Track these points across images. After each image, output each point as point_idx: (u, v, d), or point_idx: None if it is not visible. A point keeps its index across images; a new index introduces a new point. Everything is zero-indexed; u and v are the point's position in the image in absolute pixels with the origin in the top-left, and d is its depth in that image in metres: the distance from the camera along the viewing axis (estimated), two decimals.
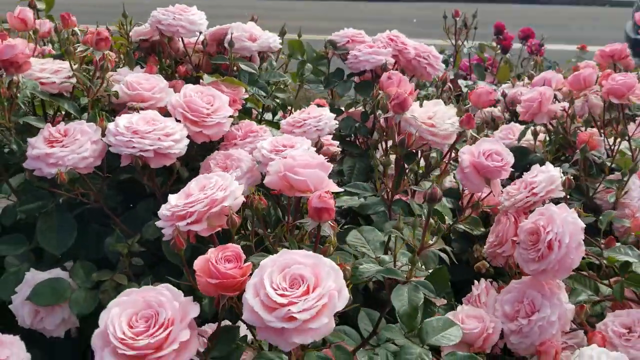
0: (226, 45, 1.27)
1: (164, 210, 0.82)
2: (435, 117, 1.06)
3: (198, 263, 0.71)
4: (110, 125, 0.99)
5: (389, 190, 1.04)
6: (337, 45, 1.49)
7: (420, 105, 1.13)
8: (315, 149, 1.05)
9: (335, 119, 1.44)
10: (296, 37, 1.52)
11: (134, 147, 0.96)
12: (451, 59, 2.02)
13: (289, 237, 0.84)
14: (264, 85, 1.26)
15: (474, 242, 1.17)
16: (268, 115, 1.54)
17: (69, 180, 0.95)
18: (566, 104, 1.33)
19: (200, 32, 1.26)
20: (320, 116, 1.12)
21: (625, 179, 1.15)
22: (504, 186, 1.08)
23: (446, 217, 1.14)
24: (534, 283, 0.91)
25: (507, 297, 0.94)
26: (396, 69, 1.51)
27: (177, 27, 1.22)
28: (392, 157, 1.09)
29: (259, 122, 1.40)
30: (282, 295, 0.65)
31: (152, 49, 1.33)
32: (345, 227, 1.09)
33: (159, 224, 0.82)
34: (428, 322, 0.79)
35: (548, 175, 1.02)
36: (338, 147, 1.42)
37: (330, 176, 1.41)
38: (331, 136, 1.31)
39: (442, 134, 1.06)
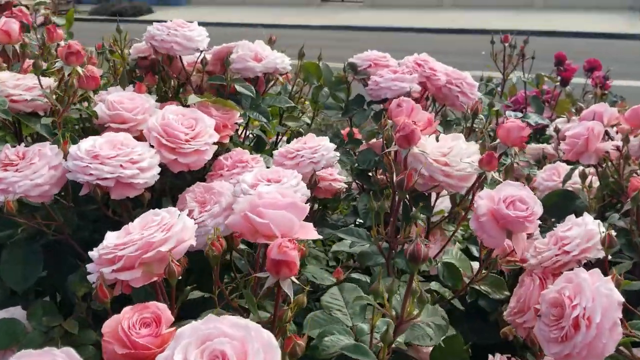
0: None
1: (94, 252, 0.68)
2: (450, 154, 0.89)
3: (108, 325, 0.57)
4: (72, 148, 0.87)
5: (386, 239, 0.87)
6: (357, 70, 1.34)
7: (437, 140, 0.96)
8: (305, 184, 0.90)
9: (353, 150, 1.30)
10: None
11: (91, 174, 0.84)
12: (498, 88, 1.83)
13: (246, 292, 0.69)
14: (265, 110, 1.13)
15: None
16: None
17: (16, 210, 0.84)
18: (620, 143, 1.13)
19: (200, 50, 1.14)
20: (316, 147, 0.97)
21: None
22: None
23: (466, 272, 0.96)
24: None
25: None
26: (426, 98, 1.35)
27: (172, 43, 1.11)
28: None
29: (271, 152, 1.27)
30: None
31: (151, 68, 1.23)
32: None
33: (89, 267, 0.69)
34: None
35: (584, 230, 0.83)
36: (352, 182, 1.27)
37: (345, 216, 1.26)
38: (339, 170, 1.17)
39: (457, 175, 0.88)
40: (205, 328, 0.53)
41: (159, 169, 0.90)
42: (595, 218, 0.88)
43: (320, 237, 0.81)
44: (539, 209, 0.81)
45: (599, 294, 0.68)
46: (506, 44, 1.77)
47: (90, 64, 1.10)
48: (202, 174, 1.05)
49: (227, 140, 1.04)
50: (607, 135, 1.17)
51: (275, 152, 1.00)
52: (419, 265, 0.60)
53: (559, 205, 1.16)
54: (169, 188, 1.03)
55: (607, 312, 0.67)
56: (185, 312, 0.74)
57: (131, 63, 1.21)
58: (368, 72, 1.31)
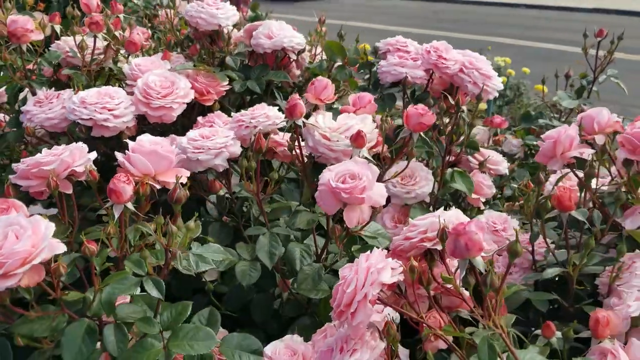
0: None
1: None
2: (338, 130, 0.96)
3: None
4: (75, 96, 1.16)
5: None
6: (378, 53, 1.42)
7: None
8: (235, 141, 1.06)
9: None
10: None
11: (75, 114, 1.11)
12: (589, 86, 1.67)
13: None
14: (261, 82, 1.29)
15: None
16: None
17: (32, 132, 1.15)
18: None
19: (220, 25, 1.34)
20: (256, 114, 1.10)
21: None
22: None
23: None
24: None
25: None
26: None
27: (197, 18, 1.33)
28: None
29: None
30: None
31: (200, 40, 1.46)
32: None
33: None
34: None
35: (430, 221, 0.85)
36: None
37: None
38: None
39: (337, 149, 0.96)
40: None
41: (131, 117, 1.13)
42: None
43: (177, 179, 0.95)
44: (369, 184, 0.85)
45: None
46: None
47: (144, 36, 1.39)
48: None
49: (210, 103, 1.24)
50: (587, 143, 1.08)
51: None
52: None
53: None
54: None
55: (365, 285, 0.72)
56: None
57: (185, 35, 1.47)
58: (385, 56, 1.38)
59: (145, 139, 0.93)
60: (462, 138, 1.26)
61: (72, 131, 1.20)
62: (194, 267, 0.80)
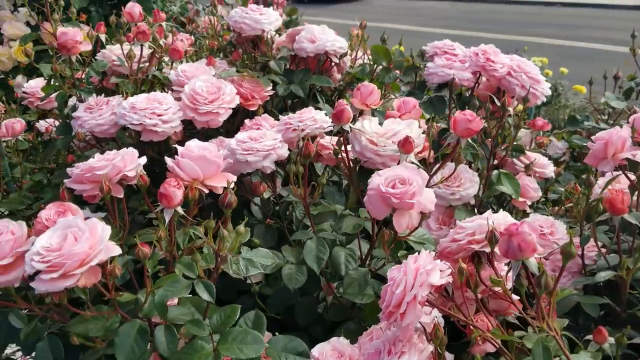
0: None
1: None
2: (385, 135, 0.96)
3: None
4: (124, 102, 1.19)
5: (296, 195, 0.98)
6: (425, 56, 1.41)
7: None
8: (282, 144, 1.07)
9: None
10: None
11: (126, 119, 1.14)
12: (638, 88, 1.62)
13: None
14: (305, 85, 1.30)
15: None
16: None
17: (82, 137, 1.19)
18: None
19: (264, 30, 1.36)
20: (304, 117, 1.11)
21: None
22: None
23: None
24: None
25: None
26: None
27: (241, 24, 1.35)
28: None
29: None
30: None
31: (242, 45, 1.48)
32: None
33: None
34: None
35: (478, 224, 0.84)
36: None
37: None
38: None
39: (384, 154, 0.96)
40: None
41: (178, 122, 1.16)
42: None
43: (228, 185, 0.97)
44: (419, 189, 0.85)
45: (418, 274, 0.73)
46: None
47: (187, 42, 1.42)
48: None
49: (255, 108, 1.25)
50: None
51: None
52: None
53: None
54: None
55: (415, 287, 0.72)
56: None
57: (228, 40, 1.49)
58: (432, 59, 1.37)
59: (194, 144, 0.95)
60: (507, 141, 1.25)
61: (119, 137, 1.23)
62: (244, 271, 0.81)
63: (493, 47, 1.33)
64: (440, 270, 0.76)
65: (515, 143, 1.37)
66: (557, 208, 1.37)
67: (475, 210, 1.28)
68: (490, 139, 1.23)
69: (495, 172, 1.19)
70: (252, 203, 1.22)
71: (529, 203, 1.32)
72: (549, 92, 1.31)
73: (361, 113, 1.12)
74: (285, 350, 0.91)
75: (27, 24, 2.28)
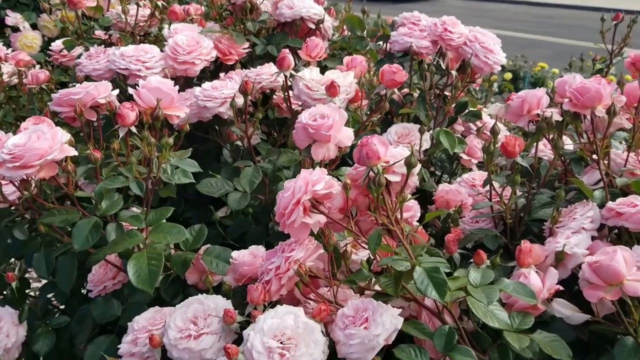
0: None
1: None
2: (321, 81, 1.12)
3: None
4: (117, 50, 1.38)
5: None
6: (394, 26, 1.55)
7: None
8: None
9: None
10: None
11: (115, 65, 1.34)
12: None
13: None
14: (280, 48, 1.46)
15: None
16: None
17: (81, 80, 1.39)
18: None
19: None
20: (260, 72, 1.28)
21: None
22: None
23: None
24: None
25: None
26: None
27: None
28: None
29: None
30: None
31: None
32: None
33: None
34: None
35: None
36: None
37: None
38: None
39: (316, 98, 1.11)
40: None
41: (159, 70, 1.34)
42: None
43: (182, 114, 1.13)
44: (336, 125, 0.99)
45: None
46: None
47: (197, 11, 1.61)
48: None
49: (232, 63, 1.43)
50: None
51: None
52: None
53: None
54: None
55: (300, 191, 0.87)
56: None
57: (223, 6, 1.67)
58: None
59: (153, 79, 1.13)
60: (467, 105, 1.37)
61: (115, 82, 1.43)
62: (174, 178, 0.98)
63: (453, 19, 1.44)
64: (330, 185, 0.90)
65: (473, 109, 1.50)
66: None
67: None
68: (437, 99, 1.36)
69: (436, 129, 1.32)
70: (224, 149, 1.39)
71: (475, 162, 1.43)
72: (504, 61, 1.42)
73: (308, 65, 1.27)
74: (217, 258, 1.08)
75: None
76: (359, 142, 0.81)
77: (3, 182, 1.02)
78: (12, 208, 1.12)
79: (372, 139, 0.79)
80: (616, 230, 1.04)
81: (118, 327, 1.11)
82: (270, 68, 1.29)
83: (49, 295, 1.23)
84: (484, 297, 0.77)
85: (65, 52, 1.80)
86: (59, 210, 1.03)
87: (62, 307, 1.28)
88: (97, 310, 1.12)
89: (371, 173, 0.81)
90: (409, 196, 0.83)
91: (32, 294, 1.37)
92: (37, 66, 1.94)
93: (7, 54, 1.93)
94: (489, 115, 1.66)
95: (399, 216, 0.81)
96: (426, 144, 1.38)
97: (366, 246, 0.82)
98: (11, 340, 1.11)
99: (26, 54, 1.97)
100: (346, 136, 1.04)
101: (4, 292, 1.34)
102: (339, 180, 1.15)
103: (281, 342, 0.81)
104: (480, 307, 0.82)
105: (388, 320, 0.81)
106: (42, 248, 1.15)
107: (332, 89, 1.06)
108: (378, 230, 0.79)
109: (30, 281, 1.31)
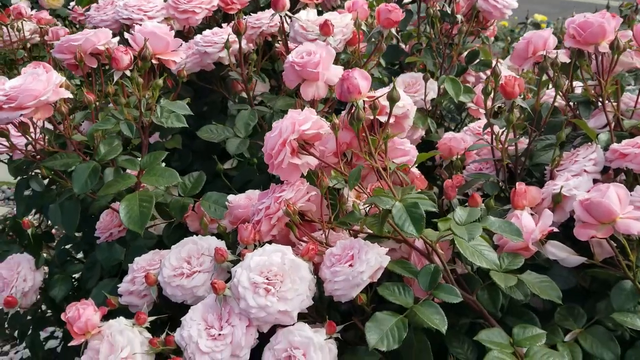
0: None
1: None
2: (316, 22, 1.10)
3: None
4: (122, 1, 1.38)
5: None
6: None
7: None
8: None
9: None
10: None
11: (119, 15, 1.34)
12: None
13: None
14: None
15: None
16: None
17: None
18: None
19: None
20: (260, 17, 1.27)
21: None
22: None
23: None
24: None
25: None
26: None
27: None
28: None
29: None
30: None
31: None
32: None
33: None
34: None
35: None
36: None
37: None
38: None
39: (311, 38, 1.09)
40: None
41: (161, 19, 1.34)
42: None
43: (178, 59, 1.13)
44: (323, 62, 0.98)
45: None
46: None
47: None
48: None
49: (234, 12, 1.41)
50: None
51: None
52: None
53: None
54: None
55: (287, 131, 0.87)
56: None
57: None
58: None
59: (149, 23, 1.13)
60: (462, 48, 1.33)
61: (122, 34, 1.43)
62: (166, 122, 0.99)
63: None
64: (319, 125, 0.89)
65: (486, 59, 1.46)
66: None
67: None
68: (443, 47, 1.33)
69: (442, 76, 1.29)
70: (229, 101, 1.39)
71: (484, 112, 1.39)
72: (515, 5, 1.37)
73: (306, 7, 1.25)
74: (215, 203, 1.09)
75: None
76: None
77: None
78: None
79: (353, 73, 0.77)
80: (623, 176, 1.00)
81: (121, 271, 1.13)
82: (270, 13, 1.28)
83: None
84: (465, 234, 0.76)
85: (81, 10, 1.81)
86: (61, 154, 1.05)
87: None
88: (102, 255, 1.15)
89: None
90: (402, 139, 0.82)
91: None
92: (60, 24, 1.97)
93: (31, 14, 1.96)
94: (507, 68, 1.61)
95: (384, 155, 0.80)
96: (433, 93, 1.36)
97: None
98: (28, 285, 1.15)
99: (47, 12, 2.00)
100: (335, 74, 1.02)
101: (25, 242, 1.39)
102: None
103: (267, 278, 0.81)
104: (467, 247, 0.80)
105: (373, 258, 0.81)
106: (57, 198, 1.18)
107: (325, 28, 1.05)
108: (359, 166, 0.78)
109: None
